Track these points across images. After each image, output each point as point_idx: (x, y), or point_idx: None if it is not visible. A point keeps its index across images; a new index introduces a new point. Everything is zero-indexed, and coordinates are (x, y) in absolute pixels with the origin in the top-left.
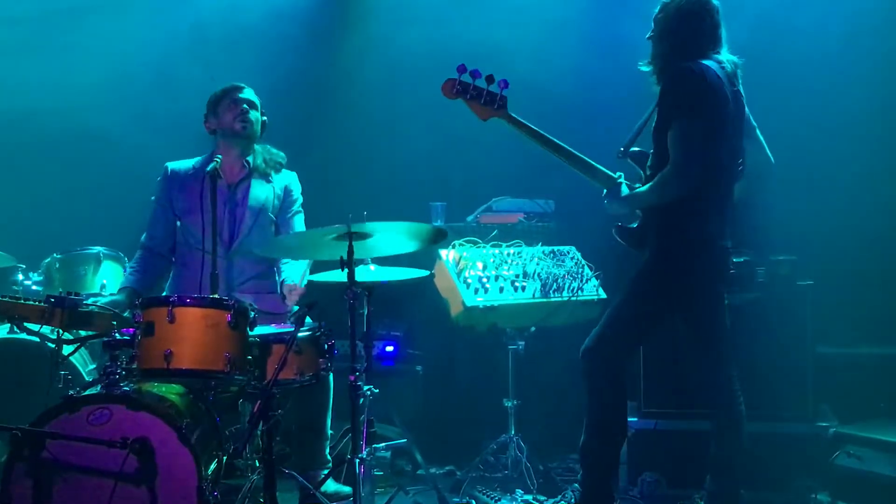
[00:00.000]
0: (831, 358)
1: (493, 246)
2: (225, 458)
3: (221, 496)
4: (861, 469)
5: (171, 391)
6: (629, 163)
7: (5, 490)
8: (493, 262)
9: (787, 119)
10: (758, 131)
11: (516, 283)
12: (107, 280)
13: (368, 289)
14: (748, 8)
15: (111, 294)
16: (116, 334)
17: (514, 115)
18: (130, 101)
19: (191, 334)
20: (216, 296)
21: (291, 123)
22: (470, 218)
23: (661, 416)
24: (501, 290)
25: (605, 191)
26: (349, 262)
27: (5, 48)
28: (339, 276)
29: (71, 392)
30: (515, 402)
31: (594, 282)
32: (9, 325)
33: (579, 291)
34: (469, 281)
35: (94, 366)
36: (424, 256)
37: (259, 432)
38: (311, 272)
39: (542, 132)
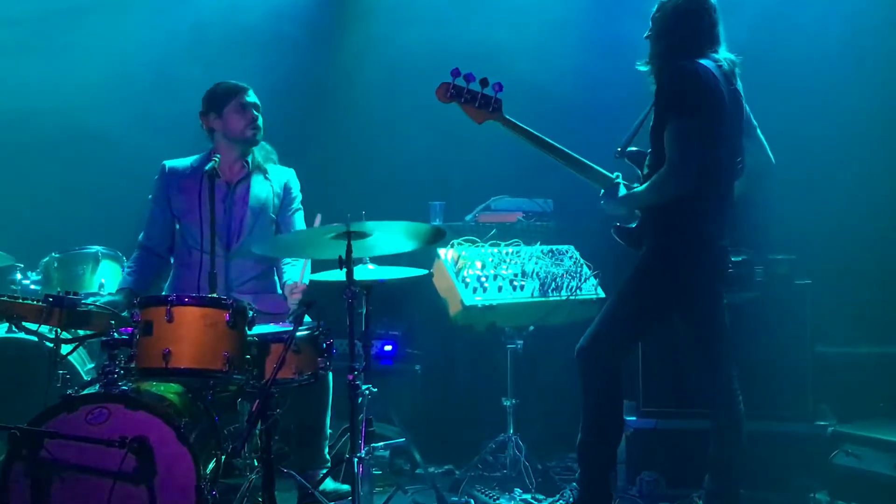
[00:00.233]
0: (830, 357)
1: (492, 245)
2: (223, 457)
3: (220, 495)
4: (860, 468)
5: (170, 390)
6: (627, 163)
7: (4, 489)
8: (492, 261)
9: (786, 118)
10: (758, 130)
11: (515, 283)
12: (105, 279)
13: (367, 288)
14: (749, 7)
15: (109, 294)
16: (115, 333)
17: (509, 117)
18: (130, 100)
19: (189, 333)
20: (214, 295)
21: (291, 123)
22: (468, 217)
23: (660, 415)
24: (500, 289)
25: (602, 191)
26: (348, 262)
27: (5, 48)
28: (338, 275)
29: (69, 391)
30: (514, 402)
31: (593, 281)
32: (7, 324)
33: (578, 291)
34: (468, 280)
35: (92, 365)
36: (423, 255)
37: (258, 431)
38: (311, 271)
39: (538, 134)
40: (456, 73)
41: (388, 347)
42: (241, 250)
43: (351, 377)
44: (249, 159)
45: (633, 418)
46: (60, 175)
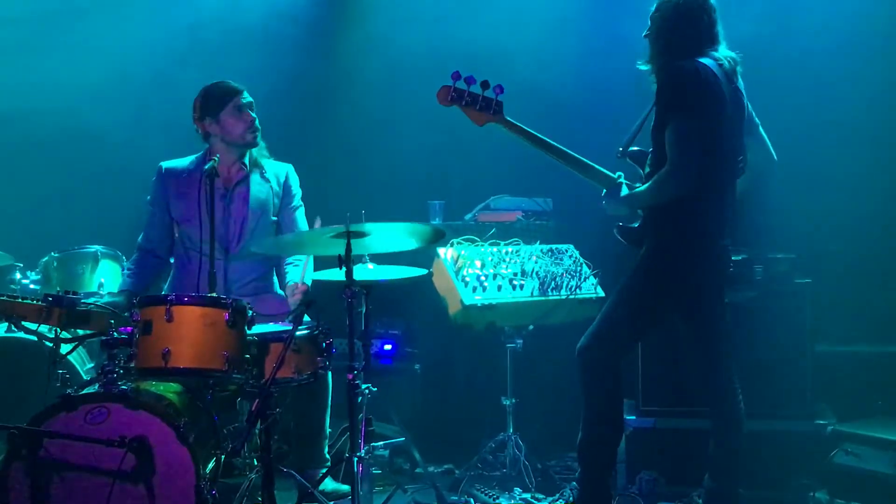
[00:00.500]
0: (829, 356)
1: (492, 244)
2: (223, 456)
3: (220, 495)
4: (859, 467)
5: (169, 390)
6: (629, 162)
7: (3, 489)
8: (492, 260)
9: (786, 117)
10: (760, 128)
11: (514, 282)
12: (104, 279)
13: (367, 287)
14: (751, 4)
15: (109, 293)
16: (114, 333)
17: (510, 119)
18: (129, 100)
19: (189, 333)
20: (214, 294)
21: (290, 123)
22: (468, 216)
23: (660, 414)
24: (500, 288)
25: (604, 191)
26: (347, 261)
27: (6, 48)
28: (338, 274)
29: (69, 391)
30: (514, 401)
31: (592, 280)
32: (6, 323)
33: (577, 290)
34: (467, 279)
35: (91, 364)
36: (423, 255)
37: (257, 431)
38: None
39: (539, 135)
40: (456, 76)
41: (387, 347)
42: (241, 253)
43: (350, 376)
44: (247, 160)
45: (633, 417)
46: (60, 174)
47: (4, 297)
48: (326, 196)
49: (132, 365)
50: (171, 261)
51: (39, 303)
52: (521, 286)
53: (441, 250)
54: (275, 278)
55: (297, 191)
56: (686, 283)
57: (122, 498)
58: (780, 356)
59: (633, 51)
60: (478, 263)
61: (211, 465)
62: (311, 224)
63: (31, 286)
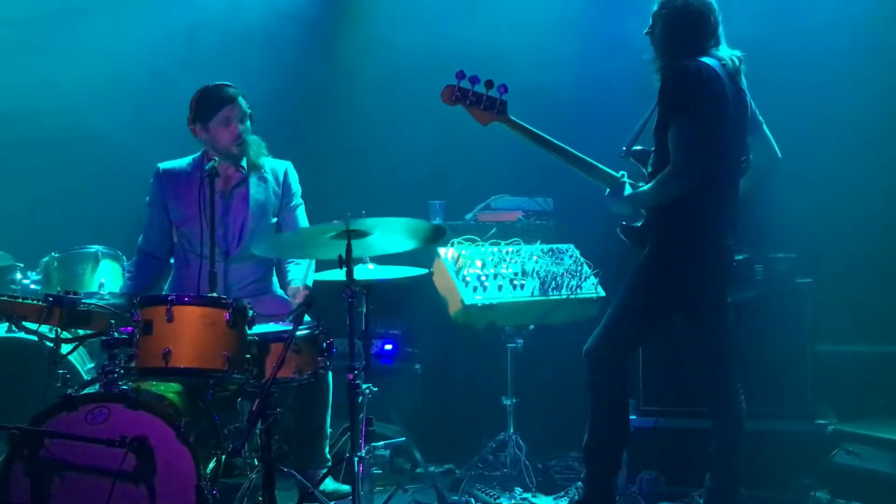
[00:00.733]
0: (830, 355)
1: (492, 244)
2: (224, 456)
3: (220, 495)
4: (860, 466)
5: (170, 390)
6: (632, 161)
7: (4, 489)
8: (492, 260)
9: (786, 116)
10: (764, 126)
11: (515, 282)
12: (105, 279)
13: (367, 287)
14: (752, 4)
15: (111, 293)
16: (115, 333)
17: (514, 118)
18: (130, 100)
19: (189, 333)
20: (214, 294)
21: (291, 122)
22: (469, 216)
23: (661, 413)
24: (500, 288)
25: (607, 190)
26: (348, 261)
27: (8, 48)
28: (338, 274)
29: (69, 391)
30: (514, 401)
31: (593, 280)
32: (7, 324)
33: (578, 289)
34: (468, 279)
35: (92, 365)
36: (423, 255)
37: (258, 431)
38: (314, 269)
39: (543, 135)
40: (461, 75)
41: (388, 346)
42: (241, 256)
43: (351, 376)
44: (244, 163)
45: (634, 417)
46: (60, 174)
47: (5, 297)
48: (327, 196)
49: (133, 365)
50: (172, 261)
51: (40, 303)
52: (522, 286)
53: (441, 250)
54: (274, 279)
55: (296, 188)
56: (689, 282)
57: (123, 498)
58: (780, 356)
59: (635, 50)
60: (478, 263)
61: (211, 465)
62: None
63: (32, 286)
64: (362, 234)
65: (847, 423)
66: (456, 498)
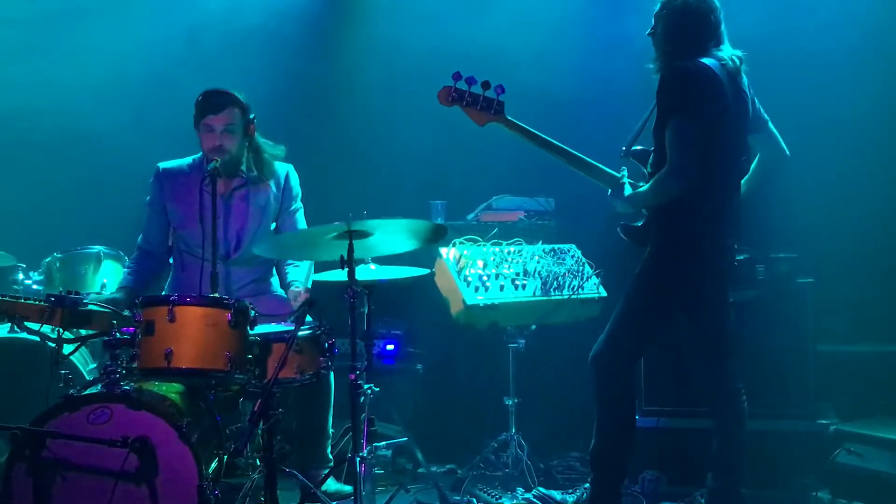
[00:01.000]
0: (832, 355)
1: (494, 244)
2: (226, 456)
3: (222, 495)
4: (862, 466)
5: (172, 390)
6: (632, 161)
7: (6, 489)
8: (494, 260)
9: (788, 116)
10: (770, 124)
11: (517, 282)
12: (107, 279)
13: (369, 287)
14: (755, 3)
15: (110, 292)
16: (117, 333)
17: (511, 118)
18: (132, 101)
19: (191, 333)
20: (216, 295)
21: (292, 123)
22: (470, 216)
23: (663, 413)
24: (502, 288)
25: (609, 190)
26: (349, 261)
27: (9, 49)
28: (340, 274)
29: (71, 391)
30: (516, 401)
31: (595, 280)
32: (9, 324)
33: (580, 289)
34: (469, 279)
35: (94, 365)
36: (425, 255)
37: (260, 431)
38: (313, 272)
39: (541, 135)
40: (457, 76)
41: (389, 347)
42: (240, 259)
43: (353, 376)
44: (244, 167)
45: (636, 417)
46: (62, 175)
47: (7, 298)
48: (328, 197)
49: (135, 365)
50: (171, 261)
51: (42, 303)
52: (524, 286)
53: (443, 250)
54: (274, 279)
55: (297, 192)
56: (689, 282)
57: (125, 498)
58: (782, 356)
59: (636, 50)
60: (480, 263)
61: (213, 465)
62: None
63: (34, 286)
64: (364, 235)
65: (849, 423)
66: (458, 498)
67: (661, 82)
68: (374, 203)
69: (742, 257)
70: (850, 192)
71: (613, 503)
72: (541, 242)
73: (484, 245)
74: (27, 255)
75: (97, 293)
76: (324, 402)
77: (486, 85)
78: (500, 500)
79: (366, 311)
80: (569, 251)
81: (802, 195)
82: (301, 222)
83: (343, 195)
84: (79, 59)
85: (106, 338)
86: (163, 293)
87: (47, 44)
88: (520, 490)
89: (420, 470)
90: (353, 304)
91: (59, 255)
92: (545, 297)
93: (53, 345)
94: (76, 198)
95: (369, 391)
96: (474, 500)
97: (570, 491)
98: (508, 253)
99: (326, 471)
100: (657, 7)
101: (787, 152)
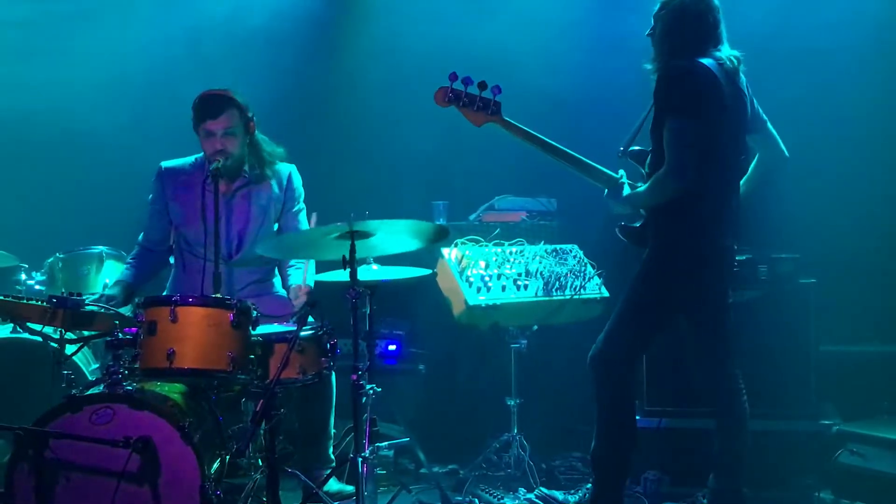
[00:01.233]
0: (834, 356)
1: (496, 244)
2: (228, 457)
3: (224, 495)
4: (864, 467)
5: (174, 390)
6: (630, 162)
7: (9, 490)
8: (496, 260)
9: (791, 115)
10: (769, 125)
11: (519, 282)
12: (109, 279)
13: (371, 288)
14: (759, 3)
15: (105, 287)
16: (119, 334)
17: (508, 119)
18: (134, 102)
19: (193, 333)
20: (219, 295)
21: (294, 123)
22: (472, 217)
23: (665, 414)
24: (504, 288)
25: (606, 191)
26: (351, 262)
27: (12, 50)
28: (342, 275)
29: (73, 391)
30: (518, 401)
31: (597, 280)
32: (12, 324)
33: (582, 290)
34: (471, 280)
35: (96, 365)
36: (427, 255)
37: (262, 431)
38: (315, 272)
39: (538, 135)
40: (453, 77)
41: (391, 347)
42: (241, 259)
43: (355, 377)
44: (246, 168)
45: (638, 417)
46: (65, 176)
47: (9, 298)
48: (330, 197)
49: (137, 365)
50: (171, 260)
51: (44, 304)
52: (526, 286)
53: (445, 250)
54: (276, 279)
55: (300, 192)
56: (688, 282)
57: (127, 498)
58: (784, 356)
59: (640, 49)
60: (482, 264)
61: (216, 465)
62: (308, 222)
63: (37, 287)
64: (366, 235)
65: (851, 424)
66: (460, 498)
67: (658, 82)
68: (377, 203)
69: (744, 257)
70: (853, 193)
71: (616, 502)
72: (543, 243)
73: (486, 245)
74: (29, 255)
75: (99, 294)
76: (326, 402)
77: (482, 85)
78: (502, 501)
79: (368, 312)
80: (571, 251)
81: (805, 195)
82: (304, 223)
83: (346, 195)
84: (82, 61)
85: (108, 338)
86: (164, 293)
87: (51, 45)
88: (522, 490)
89: (422, 470)
90: (355, 304)
91: (61, 256)
92: (547, 298)
93: (56, 345)
94: (78, 198)
95: (371, 391)
96: (476, 500)
97: (573, 491)
98: (510, 253)
99: (328, 471)
100: (656, 7)
101: (786, 153)
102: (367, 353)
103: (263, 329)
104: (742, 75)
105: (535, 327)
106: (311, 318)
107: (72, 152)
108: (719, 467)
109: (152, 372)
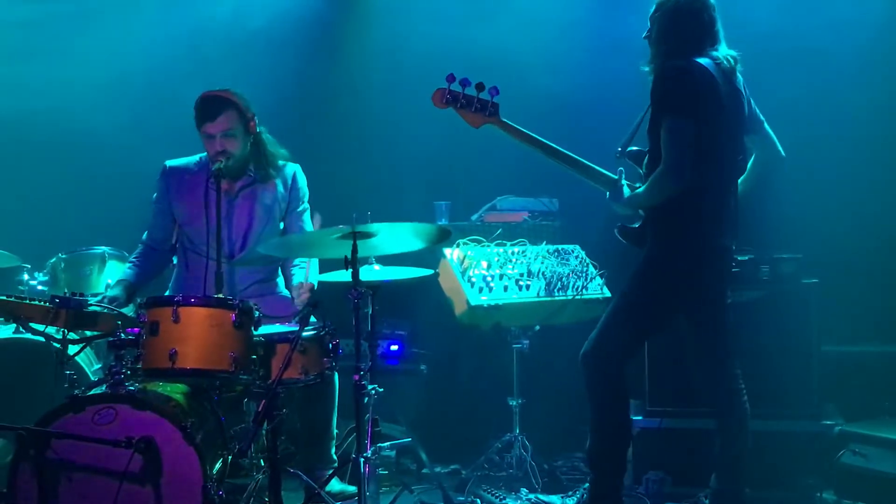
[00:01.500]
0: (836, 356)
1: (498, 245)
2: (230, 457)
3: (226, 495)
4: (866, 467)
5: (176, 391)
6: (629, 162)
7: (11, 490)
8: (498, 260)
9: (794, 114)
10: (766, 125)
11: (521, 282)
12: (112, 280)
13: (373, 288)
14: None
15: (108, 285)
16: (121, 334)
17: (506, 120)
18: (137, 102)
19: (196, 334)
20: (221, 295)
21: (296, 124)
22: (474, 217)
23: (666, 414)
24: (506, 288)
25: (607, 193)
26: (353, 262)
27: (13, 50)
28: (344, 275)
29: (76, 392)
30: (520, 401)
31: (598, 280)
32: (14, 325)
33: (584, 290)
34: (473, 280)
35: (99, 365)
36: (429, 255)
37: (264, 431)
38: (317, 272)
39: (536, 136)
40: (451, 78)
41: (393, 347)
42: (245, 259)
43: (357, 377)
44: (251, 167)
45: (640, 417)
46: (67, 176)
47: (12, 299)
48: (332, 197)
49: (139, 366)
50: (174, 259)
51: (46, 304)
52: (528, 287)
53: (447, 251)
54: (280, 279)
55: (304, 193)
56: (686, 283)
57: (130, 499)
58: (786, 356)
59: (640, 51)
60: (484, 264)
61: (218, 465)
62: (311, 223)
63: (39, 287)
64: (368, 235)
65: (853, 424)
66: (462, 498)
67: (655, 82)
68: (379, 204)
69: (746, 258)
70: (855, 193)
71: (614, 501)
72: (545, 243)
73: (488, 245)
74: (32, 255)
75: (101, 294)
76: (328, 402)
77: (480, 87)
78: (504, 501)
79: (370, 312)
80: (573, 252)
81: (807, 196)
82: (308, 223)
83: (348, 196)
84: (83, 61)
85: (111, 338)
86: (166, 292)
87: (52, 45)
88: (524, 490)
89: (424, 470)
90: (357, 304)
91: (63, 256)
92: (549, 298)
93: (58, 345)
94: (81, 199)
95: (373, 392)
96: (478, 500)
97: (570, 494)
98: (512, 253)
99: (330, 471)
100: (652, 9)
101: (783, 153)
102: (368, 354)
103: (266, 329)
104: (739, 75)
105: (537, 327)
106: (313, 319)
107: (73, 152)
108: (721, 468)
109: (154, 372)
